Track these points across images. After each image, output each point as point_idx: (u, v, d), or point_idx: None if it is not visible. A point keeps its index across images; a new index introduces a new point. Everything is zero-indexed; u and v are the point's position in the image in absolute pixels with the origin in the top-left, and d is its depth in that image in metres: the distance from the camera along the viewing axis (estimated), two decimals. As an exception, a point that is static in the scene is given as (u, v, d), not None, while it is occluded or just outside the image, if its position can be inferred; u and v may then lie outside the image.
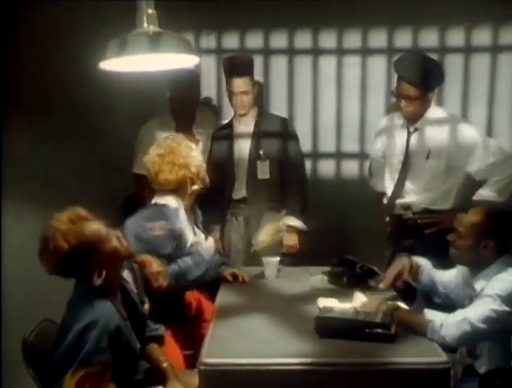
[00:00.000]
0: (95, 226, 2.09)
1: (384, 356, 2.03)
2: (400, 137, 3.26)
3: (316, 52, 3.85)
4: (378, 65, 3.67)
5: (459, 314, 2.23)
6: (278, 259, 3.05)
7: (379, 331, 2.12)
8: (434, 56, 3.69)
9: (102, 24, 2.98)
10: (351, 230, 3.64)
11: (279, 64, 3.82)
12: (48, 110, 2.72)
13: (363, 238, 3.66)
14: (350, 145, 3.89)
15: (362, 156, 3.83)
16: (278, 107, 3.83)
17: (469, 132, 3.17)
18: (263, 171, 3.47)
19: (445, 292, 2.64)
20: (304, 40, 3.85)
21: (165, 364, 2.24)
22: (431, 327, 2.16)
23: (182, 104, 3.50)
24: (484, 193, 3.12)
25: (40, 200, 2.68)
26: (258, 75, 3.87)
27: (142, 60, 2.30)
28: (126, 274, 2.30)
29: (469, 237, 2.41)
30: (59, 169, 2.86)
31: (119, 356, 2.03)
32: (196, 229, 2.89)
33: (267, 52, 3.85)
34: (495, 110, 3.77)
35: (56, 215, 2.08)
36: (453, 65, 3.74)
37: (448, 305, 2.54)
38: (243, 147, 3.52)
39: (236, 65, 3.45)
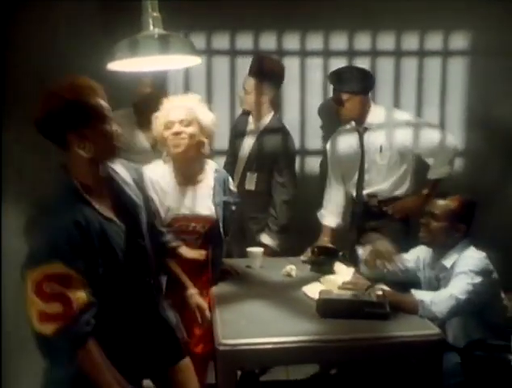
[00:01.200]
0: (103, 101, 1.89)
1: (383, 332, 2.24)
2: (353, 139, 3.57)
3: (280, 53, 4.01)
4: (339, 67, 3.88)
5: (445, 292, 2.48)
6: (262, 249, 3.20)
7: (376, 309, 2.33)
8: (391, 59, 4.02)
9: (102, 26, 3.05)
10: (316, 224, 3.81)
11: (245, 65, 3.93)
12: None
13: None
14: (314, 142, 4.10)
15: (324, 153, 4.03)
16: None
17: (409, 119, 3.54)
18: (250, 182, 3.58)
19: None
20: (268, 41, 4.00)
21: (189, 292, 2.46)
22: (422, 306, 2.39)
23: (151, 101, 3.55)
24: (439, 170, 3.46)
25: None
26: (224, 75, 4.02)
27: (147, 60, 2.38)
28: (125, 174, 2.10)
29: (446, 220, 2.67)
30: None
31: (94, 259, 1.82)
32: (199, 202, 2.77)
33: (233, 53, 3.99)
34: (447, 110, 4.08)
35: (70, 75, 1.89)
36: (408, 68, 4.03)
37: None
38: (246, 147, 3.65)
39: (250, 64, 3.68)
